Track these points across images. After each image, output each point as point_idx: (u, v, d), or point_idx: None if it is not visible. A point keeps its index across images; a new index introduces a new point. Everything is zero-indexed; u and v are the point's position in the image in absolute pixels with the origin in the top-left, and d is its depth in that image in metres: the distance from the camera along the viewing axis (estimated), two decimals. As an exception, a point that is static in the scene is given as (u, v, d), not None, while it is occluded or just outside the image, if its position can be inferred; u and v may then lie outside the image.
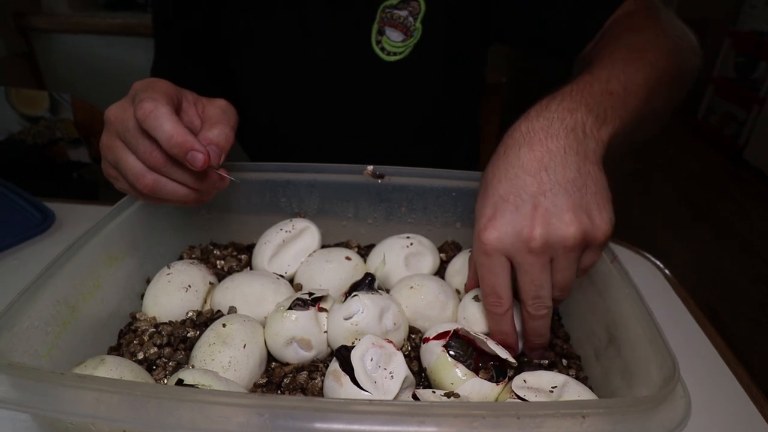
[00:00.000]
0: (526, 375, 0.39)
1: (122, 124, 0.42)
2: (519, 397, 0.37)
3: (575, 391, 0.36)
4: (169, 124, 0.40)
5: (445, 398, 0.37)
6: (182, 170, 0.43)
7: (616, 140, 0.42)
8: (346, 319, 0.42)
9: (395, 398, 0.36)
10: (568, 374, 0.42)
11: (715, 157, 3.07)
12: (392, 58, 0.67)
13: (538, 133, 0.39)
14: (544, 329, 0.41)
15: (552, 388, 0.37)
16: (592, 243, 0.38)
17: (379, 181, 0.56)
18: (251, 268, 0.54)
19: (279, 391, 0.40)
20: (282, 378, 0.41)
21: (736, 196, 2.67)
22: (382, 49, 0.66)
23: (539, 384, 0.38)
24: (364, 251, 0.57)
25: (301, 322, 0.42)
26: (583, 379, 0.42)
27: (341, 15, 0.66)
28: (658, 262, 0.69)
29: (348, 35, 0.67)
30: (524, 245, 0.37)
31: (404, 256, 0.52)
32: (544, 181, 0.38)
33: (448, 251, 0.57)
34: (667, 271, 0.68)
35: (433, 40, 0.66)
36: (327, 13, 0.66)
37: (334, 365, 0.38)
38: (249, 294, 0.47)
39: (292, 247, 0.53)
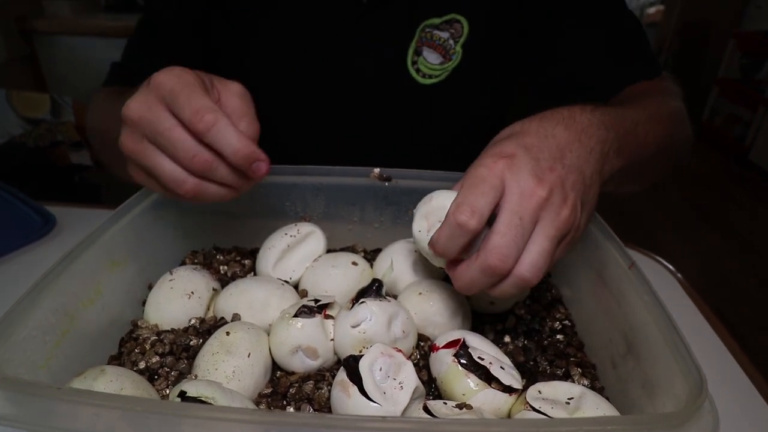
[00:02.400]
0: (541, 386, 0.38)
1: (152, 126, 0.39)
2: (534, 409, 0.35)
3: (593, 403, 0.35)
4: (235, 138, 0.38)
5: (457, 410, 0.36)
6: (226, 171, 0.41)
7: (611, 177, 0.44)
8: (353, 326, 0.41)
9: (405, 409, 0.35)
10: (582, 384, 0.40)
11: (720, 159, 3.06)
12: (427, 81, 0.64)
13: (578, 125, 0.41)
14: (486, 287, 0.37)
15: (568, 399, 0.36)
16: (570, 235, 0.38)
17: (386, 184, 0.54)
18: (255, 274, 0.53)
19: (284, 402, 0.39)
20: (288, 388, 0.40)
21: (741, 198, 2.66)
22: (418, 70, 0.64)
23: (555, 395, 0.37)
24: (371, 256, 0.55)
25: (307, 329, 0.41)
26: (599, 390, 0.40)
27: (378, 30, 0.63)
28: (670, 266, 0.68)
29: (383, 53, 0.64)
30: (529, 192, 0.36)
31: (412, 261, 0.50)
32: (566, 156, 0.39)
33: (456, 256, 0.56)
34: (679, 275, 0.67)
35: (471, 66, 0.64)
36: (362, 27, 0.63)
37: (342, 375, 0.37)
38: (253, 300, 0.46)
39: (296, 251, 0.52)
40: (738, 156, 2.97)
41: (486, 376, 0.38)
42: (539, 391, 0.37)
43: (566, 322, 0.48)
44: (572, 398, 0.36)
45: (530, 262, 0.35)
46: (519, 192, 0.36)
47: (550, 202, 0.36)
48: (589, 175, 0.40)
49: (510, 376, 0.38)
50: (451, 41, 0.62)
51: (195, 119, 0.38)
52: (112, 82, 0.69)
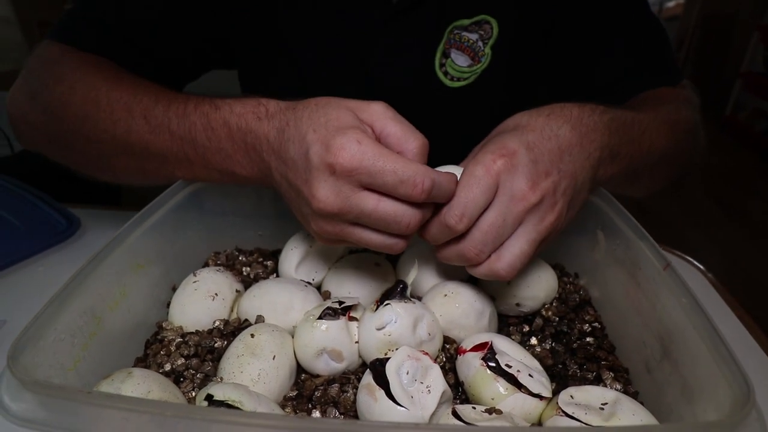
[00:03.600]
0: (573, 390, 0.36)
1: (354, 214, 0.37)
2: (567, 415, 0.34)
3: (629, 409, 0.33)
4: (446, 181, 0.37)
5: (487, 414, 0.35)
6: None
7: (604, 178, 0.46)
8: (378, 329, 0.40)
9: (433, 414, 0.34)
10: (615, 388, 0.39)
11: (744, 154, 2.98)
12: (456, 84, 0.63)
13: (583, 127, 0.41)
14: (459, 263, 0.41)
15: (602, 405, 0.35)
16: (550, 237, 0.40)
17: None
18: (278, 275, 0.53)
19: (310, 405, 0.39)
20: (313, 391, 0.39)
21: (766, 194, 2.59)
22: (446, 73, 0.62)
23: (588, 400, 0.36)
24: (394, 257, 0.55)
25: (331, 332, 0.40)
26: (633, 394, 0.39)
27: (406, 32, 0.61)
28: (700, 266, 0.66)
29: (411, 56, 0.62)
30: (520, 196, 0.38)
31: (436, 262, 0.50)
32: (565, 161, 0.40)
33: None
34: (710, 275, 0.65)
35: (500, 68, 0.62)
36: (390, 30, 0.61)
37: (368, 378, 0.36)
38: (277, 302, 0.45)
39: (319, 253, 0.51)
40: (763, 151, 2.89)
41: (514, 383, 0.37)
42: (571, 396, 0.36)
43: (596, 324, 0.47)
44: (606, 403, 0.35)
45: (509, 263, 0.39)
46: (510, 195, 0.38)
47: (538, 208, 0.38)
48: (581, 181, 0.41)
49: (539, 384, 0.37)
50: (480, 43, 0.61)
51: (413, 193, 0.35)
52: (83, 45, 0.57)
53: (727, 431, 0.25)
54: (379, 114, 0.40)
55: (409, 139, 0.39)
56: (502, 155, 0.38)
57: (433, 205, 0.39)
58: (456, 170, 0.41)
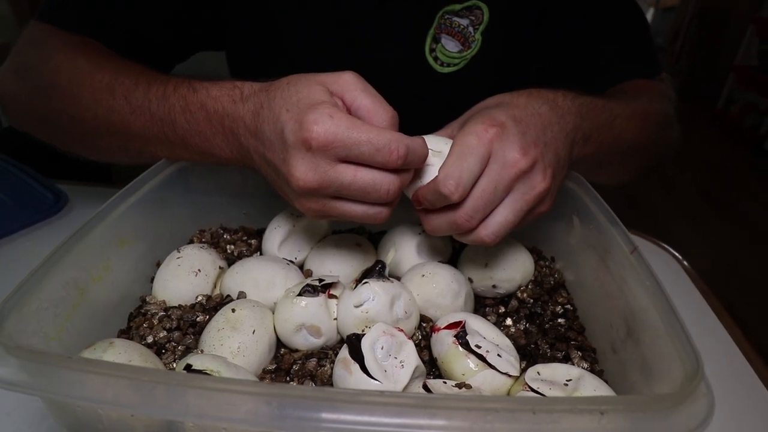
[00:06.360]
0: (540, 367, 0.38)
1: (334, 187, 0.38)
2: (533, 390, 0.36)
3: (591, 385, 0.35)
4: (421, 145, 0.39)
5: (456, 389, 0.36)
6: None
7: (579, 162, 0.48)
8: (356, 306, 0.41)
9: (405, 388, 0.36)
10: (582, 367, 0.41)
11: (734, 149, 3.01)
12: (446, 70, 0.63)
13: (560, 109, 0.44)
14: (449, 231, 0.42)
15: (567, 381, 0.36)
16: (538, 209, 0.42)
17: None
18: (261, 254, 0.54)
19: (288, 378, 0.40)
20: (291, 365, 0.41)
21: (755, 189, 2.62)
22: (436, 58, 0.62)
23: (553, 377, 0.37)
24: (375, 238, 0.56)
25: (310, 308, 0.42)
26: (598, 373, 0.41)
27: (397, 17, 0.61)
28: (677, 254, 0.67)
29: (401, 41, 0.62)
30: (512, 163, 0.39)
31: (416, 243, 0.51)
32: (547, 134, 0.42)
33: (461, 239, 0.56)
34: (686, 263, 0.67)
35: (491, 54, 0.63)
36: (382, 15, 0.61)
37: (344, 353, 0.38)
38: (259, 279, 0.46)
39: (302, 232, 0.52)
40: (753, 146, 2.92)
41: (484, 362, 0.39)
42: (538, 373, 0.37)
43: (568, 306, 0.48)
44: (570, 380, 0.36)
45: (493, 231, 0.40)
46: (502, 162, 0.39)
47: (528, 175, 0.40)
48: (563, 157, 0.43)
49: (507, 363, 0.38)
50: (471, 29, 0.61)
51: (389, 160, 0.36)
52: (69, 26, 0.57)
53: (675, 405, 0.26)
54: (350, 85, 0.40)
55: (379, 111, 0.40)
56: (493, 125, 0.39)
57: (411, 170, 0.40)
58: (432, 139, 0.42)
